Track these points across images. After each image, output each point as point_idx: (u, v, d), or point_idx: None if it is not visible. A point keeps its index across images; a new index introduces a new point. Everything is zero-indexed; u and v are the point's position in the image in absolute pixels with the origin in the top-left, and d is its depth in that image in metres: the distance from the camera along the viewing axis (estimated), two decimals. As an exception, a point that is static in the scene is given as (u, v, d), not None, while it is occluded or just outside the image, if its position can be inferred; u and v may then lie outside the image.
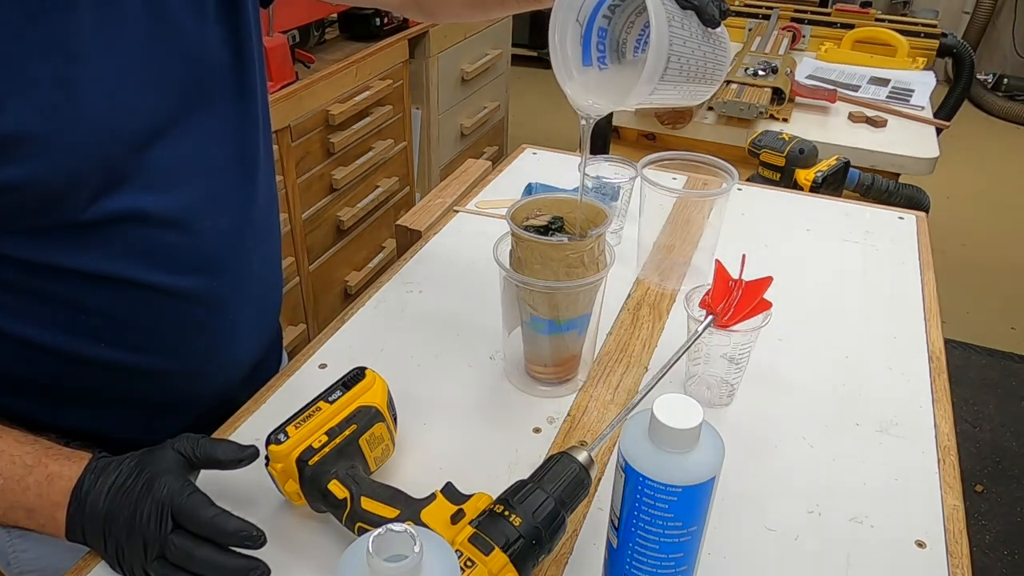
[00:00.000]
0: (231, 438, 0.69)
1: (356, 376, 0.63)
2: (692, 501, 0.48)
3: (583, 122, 0.65)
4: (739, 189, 1.16)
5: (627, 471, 0.49)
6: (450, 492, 0.56)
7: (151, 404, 0.69)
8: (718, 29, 0.60)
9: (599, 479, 0.66)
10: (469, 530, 0.52)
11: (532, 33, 4.03)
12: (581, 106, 0.63)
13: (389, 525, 0.41)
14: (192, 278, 0.65)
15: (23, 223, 0.55)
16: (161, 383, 0.68)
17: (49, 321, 0.61)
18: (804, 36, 2.11)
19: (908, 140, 1.59)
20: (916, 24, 2.12)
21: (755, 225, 1.06)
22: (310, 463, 0.57)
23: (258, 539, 0.53)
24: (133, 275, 0.61)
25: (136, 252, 0.61)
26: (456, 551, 0.50)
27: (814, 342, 0.83)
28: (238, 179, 0.68)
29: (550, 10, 0.60)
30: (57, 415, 0.66)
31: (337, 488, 0.57)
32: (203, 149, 0.64)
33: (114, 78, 0.55)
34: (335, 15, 1.96)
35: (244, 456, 0.57)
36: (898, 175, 1.56)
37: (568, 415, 0.73)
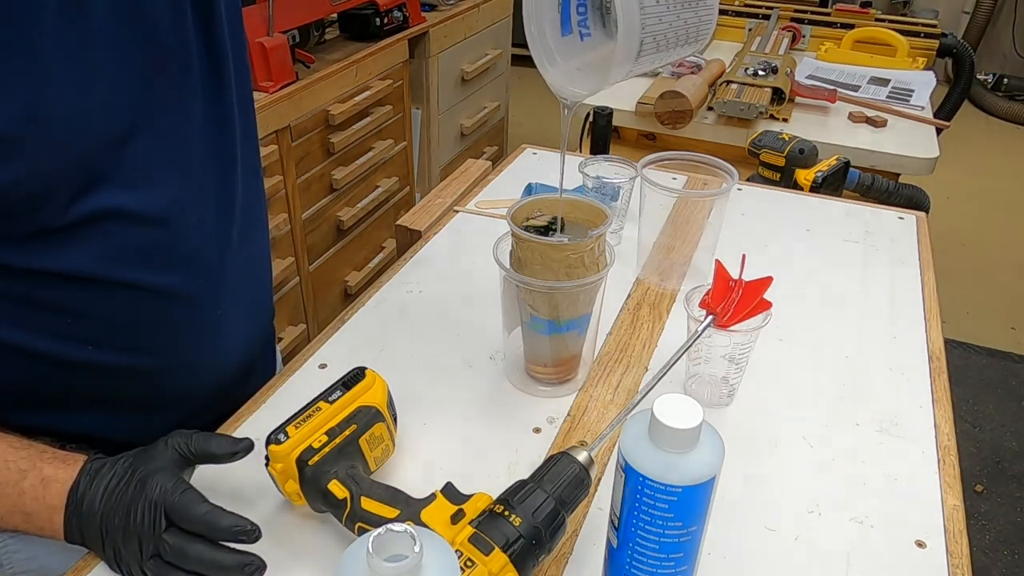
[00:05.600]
0: (231, 438, 0.69)
1: (356, 376, 0.63)
2: (692, 501, 0.48)
3: (565, 110, 0.64)
4: (739, 189, 1.16)
5: (627, 471, 0.49)
6: (450, 492, 0.56)
7: (143, 404, 0.69)
8: None
9: (599, 479, 0.66)
10: (469, 530, 0.52)
11: (532, 33, 4.02)
12: (563, 92, 0.62)
13: (389, 525, 0.41)
14: (176, 275, 0.64)
15: (1, 230, 0.55)
16: (151, 382, 0.68)
17: (33, 326, 0.60)
18: (804, 36, 2.11)
19: (908, 140, 1.59)
20: (916, 24, 2.12)
21: (755, 225, 1.06)
22: (310, 463, 0.57)
23: (252, 533, 0.53)
24: (116, 275, 0.61)
25: (117, 251, 0.60)
26: (456, 551, 0.50)
27: (814, 342, 0.83)
28: (217, 173, 0.67)
29: None
30: (49, 419, 0.65)
31: (337, 488, 0.57)
32: (180, 144, 0.63)
33: (86, 75, 0.54)
34: (335, 15, 1.96)
35: (239, 449, 0.57)
36: (898, 175, 1.55)
37: (568, 415, 0.73)
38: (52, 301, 0.60)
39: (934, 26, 2.08)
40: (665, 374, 0.61)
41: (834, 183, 1.34)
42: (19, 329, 0.60)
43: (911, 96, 1.78)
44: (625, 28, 0.53)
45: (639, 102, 1.64)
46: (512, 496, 0.53)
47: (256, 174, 0.76)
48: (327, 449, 0.58)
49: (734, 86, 1.65)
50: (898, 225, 1.07)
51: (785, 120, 1.64)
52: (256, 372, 0.81)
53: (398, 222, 1.04)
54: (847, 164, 1.36)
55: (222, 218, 0.68)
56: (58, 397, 0.66)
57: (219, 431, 0.70)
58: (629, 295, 0.91)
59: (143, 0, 0.58)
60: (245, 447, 0.58)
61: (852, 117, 1.67)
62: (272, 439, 0.58)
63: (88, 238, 0.58)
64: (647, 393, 0.59)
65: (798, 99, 1.71)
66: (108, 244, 0.59)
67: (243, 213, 0.71)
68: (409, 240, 1.03)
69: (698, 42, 0.61)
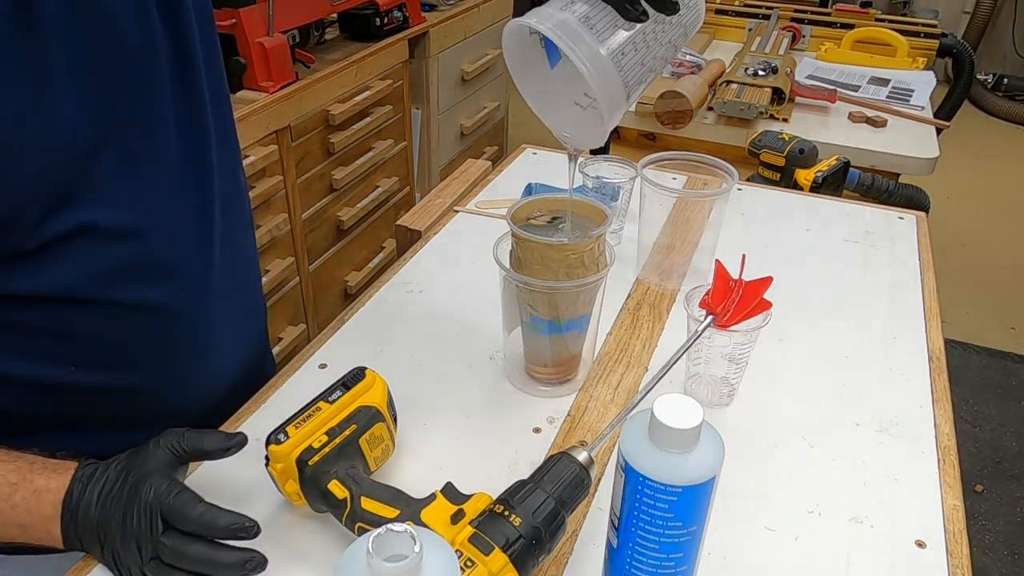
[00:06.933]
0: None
1: (356, 376, 0.63)
2: (692, 501, 0.48)
3: (570, 153, 0.65)
4: (739, 189, 1.16)
5: (627, 471, 0.49)
6: (450, 492, 0.56)
7: (135, 422, 0.66)
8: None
9: (599, 479, 0.66)
10: (469, 530, 0.52)
11: (532, 33, 4.02)
12: (570, 142, 0.63)
13: (389, 525, 0.41)
14: (156, 289, 0.62)
15: None
16: (141, 401, 0.66)
17: (11, 349, 0.59)
18: (804, 36, 2.11)
19: (908, 140, 1.59)
20: (916, 24, 2.12)
21: (755, 225, 1.06)
22: (310, 463, 0.57)
23: (251, 530, 0.52)
24: (93, 293, 0.59)
25: (93, 269, 0.58)
26: (456, 551, 0.50)
27: (814, 342, 0.83)
28: (192, 178, 0.64)
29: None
30: (37, 443, 0.63)
31: (337, 488, 0.57)
32: (151, 151, 0.60)
33: (44, 91, 0.51)
34: (335, 15, 1.96)
35: (232, 444, 0.57)
36: (898, 175, 1.55)
37: (568, 415, 0.73)
38: (28, 323, 0.58)
39: (934, 26, 2.08)
40: (665, 374, 0.61)
41: (834, 183, 1.34)
42: None
43: (911, 96, 1.78)
44: (605, 96, 0.53)
45: (639, 102, 1.64)
46: (512, 496, 0.53)
47: (235, 173, 0.73)
48: (327, 449, 0.58)
49: (734, 86, 1.65)
50: (898, 225, 1.07)
51: (785, 120, 1.64)
52: (254, 377, 0.79)
53: (398, 222, 1.04)
54: (847, 164, 1.36)
55: (201, 224, 0.66)
56: (44, 421, 0.64)
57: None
58: (629, 295, 0.91)
59: (101, 4, 0.54)
60: (238, 442, 0.57)
61: (852, 117, 1.67)
62: (272, 439, 0.58)
63: (61, 258, 0.56)
64: (647, 393, 0.59)
65: (798, 99, 1.71)
66: (82, 262, 0.57)
67: (223, 216, 0.69)
68: (409, 240, 1.02)
69: (687, 40, 0.61)
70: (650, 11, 0.54)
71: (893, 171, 1.55)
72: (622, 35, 0.54)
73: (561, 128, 0.63)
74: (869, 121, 1.65)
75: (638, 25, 0.55)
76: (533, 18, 0.54)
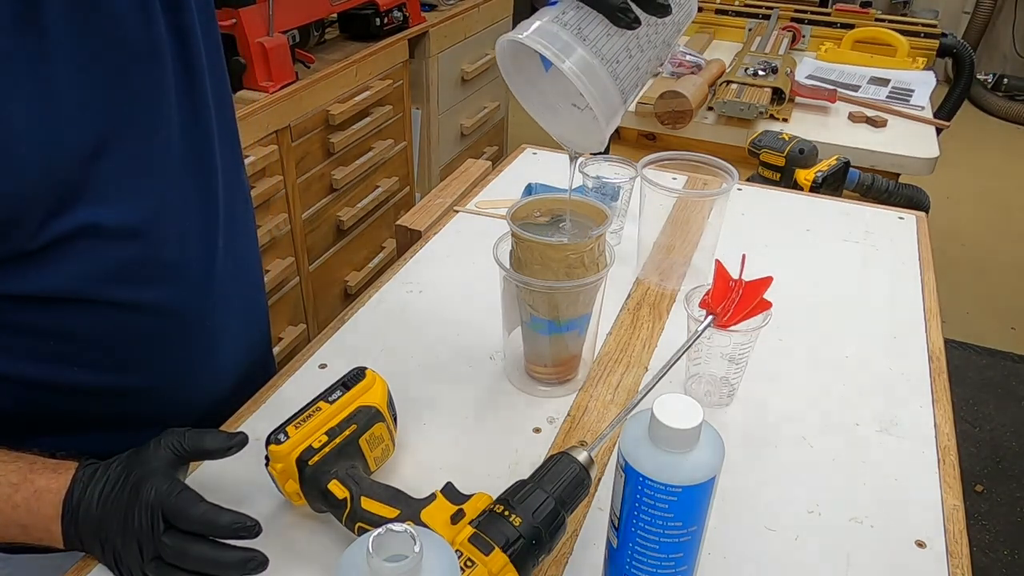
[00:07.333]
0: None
1: (356, 376, 0.63)
2: (692, 501, 0.48)
3: (571, 158, 0.65)
4: (739, 189, 1.16)
5: (627, 471, 0.49)
6: (450, 492, 0.56)
7: (134, 422, 0.66)
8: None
9: (599, 479, 0.66)
10: (469, 530, 0.52)
11: (532, 33, 4.01)
12: (572, 146, 0.63)
13: (389, 525, 0.41)
14: (160, 289, 0.62)
15: None
16: (141, 400, 0.66)
17: (16, 351, 0.59)
18: (804, 36, 2.11)
19: (908, 140, 1.59)
20: (916, 24, 2.11)
21: (755, 225, 1.06)
22: (310, 463, 0.57)
23: (252, 528, 0.52)
24: (96, 294, 0.59)
25: (96, 269, 0.58)
26: (456, 551, 0.50)
27: (814, 342, 0.83)
28: (196, 177, 0.64)
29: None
30: (40, 444, 0.62)
31: (337, 488, 0.57)
32: (155, 149, 0.60)
33: (47, 89, 0.51)
34: (335, 15, 1.96)
35: (233, 443, 0.57)
36: (898, 175, 1.55)
37: (568, 415, 0.73)
38: (30, 324, 0.58)
39: (934, 26, 2.08)
40: (665, 374, 0.61)
41: (834, 183, 1.34)
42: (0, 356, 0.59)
43: (911, 96, 1.78)
44: (603, 106, 0.53)
45: (639, 102, 1.64)
46: (512, 496, 0.53)
47: (237, 173, 0.72)
48: (327, 449, 0.58)
49: (734, 86, 1.65)
50: (898, 225, 1.07)
51: (785, 120, 1.64)
52: (256, 377, 0.79)
53: (398, 222, 1.04)
54: (847, 164, 1.36)
55: (205, 224, 0.66)
56: (46, 421, 0.64)
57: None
58: (629, 295, 0.91)
59: (103, 2, 0.54)
60: (239, 441, 0.57)
61: (852, 117, 1.67)
62: (272, 439, 0.58)
63: (64, 258, 0.56)
64: (647, 393, 0.59)
65: (798, 99, 1.71)
66: (85, 262, 0.57)
67: (227, 216, 0.68)
68: (409, 240, 1.03)
69: (680, 35, 0.61)
70: (642, 16, 0.54)
71: (893, 171, 1.55)
72: (615, 43, 0.54)
73: (562, 133, 0.63)
74: (869, 121, 1.65)
75: (631, 32, 0.54)
76: (523, 33, 0.54)
